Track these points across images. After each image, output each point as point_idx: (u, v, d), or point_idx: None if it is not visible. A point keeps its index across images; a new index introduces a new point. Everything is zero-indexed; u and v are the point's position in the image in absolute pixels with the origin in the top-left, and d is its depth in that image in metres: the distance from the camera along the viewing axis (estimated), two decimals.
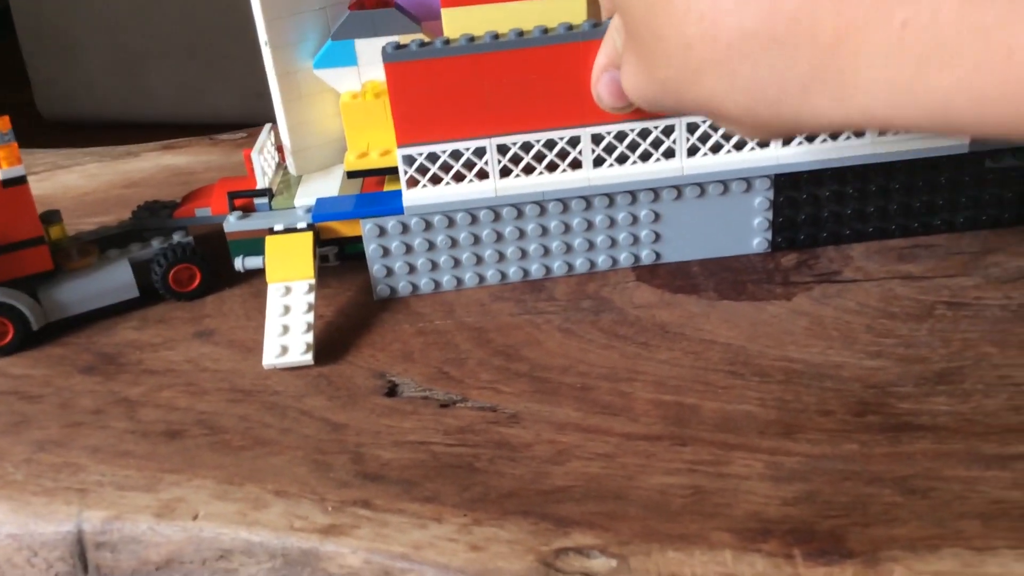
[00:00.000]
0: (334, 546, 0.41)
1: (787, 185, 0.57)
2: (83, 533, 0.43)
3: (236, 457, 0.46)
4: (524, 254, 0.58)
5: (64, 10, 1.63)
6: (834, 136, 0.56)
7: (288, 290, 0.55)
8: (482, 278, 0.58)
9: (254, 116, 1.54)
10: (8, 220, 0.53)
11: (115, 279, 0.57)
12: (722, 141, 0.56)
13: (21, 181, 0.53)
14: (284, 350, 0.52)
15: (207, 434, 0.48)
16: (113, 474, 0.45)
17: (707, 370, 0.49)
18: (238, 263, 0.58)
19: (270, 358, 0.52)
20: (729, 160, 0.56)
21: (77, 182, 0.78)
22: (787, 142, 0.55)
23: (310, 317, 0.54)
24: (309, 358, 0.52)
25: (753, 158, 0.56)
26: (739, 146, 0.56)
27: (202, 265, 0.59)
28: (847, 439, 0.43)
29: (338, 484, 0.44)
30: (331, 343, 0.54)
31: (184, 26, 1.58)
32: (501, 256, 0.58)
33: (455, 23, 0.54)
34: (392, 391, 0.50)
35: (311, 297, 0.54)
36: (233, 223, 0.58)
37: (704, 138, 0.56)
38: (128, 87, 1.66)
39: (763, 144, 0.55)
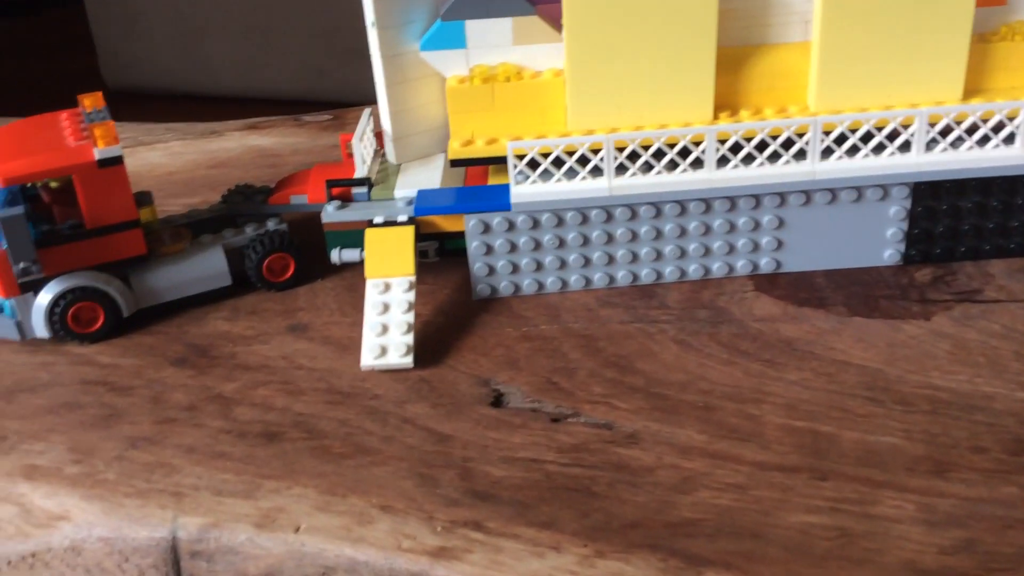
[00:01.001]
0: (445, 571, 0.38)
1: (927, 194, 0.52)
2: (178, 540, 0.41)
3: (338, 465, 0.43)
4: (635, 257, 0.54)
5: None
6: (981, 143, 0.51)
7: (387, 287, 0.52)
8: (588, 281, 0.55)
9: (312, 93, 1.54)
10: (103, 202, 0.51)
11: (209, 266, 0.55)
12: (859, 144, 0.51)
13: (117, 161, 0.51)
14: (383, 351, 0.50)
15: (306, 438, 0.45)
16: (210, 477, 0.43)
17: (843, 394, 0.45)
18: (335, 255, 0.55)
19: (368, 359, 0.49)
20: (866, 165, 0.52)
21: (161, 160, 0.76)
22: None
23: (410, 317, 0.51)
24: (409, 361, 0.49)
25: (892, 164, 0.51)
26: (878, 150, 0.52)
27: (296, 255, 0.56)
28: (1005, 481, 0.39)
29: (447, 501, 0.41)
30: (430, 345, 0.51)
31: (246, 1, 1.58)
32: (610, 259, 0.54)
33: (575, 8, 0.51)
34: (498, 401, 0.47)
35: (411, 295, 0.52)
36: (331, 213, 0.55)
37: (840, 140, 0.52)
38: (190, 59, 1.66)
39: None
